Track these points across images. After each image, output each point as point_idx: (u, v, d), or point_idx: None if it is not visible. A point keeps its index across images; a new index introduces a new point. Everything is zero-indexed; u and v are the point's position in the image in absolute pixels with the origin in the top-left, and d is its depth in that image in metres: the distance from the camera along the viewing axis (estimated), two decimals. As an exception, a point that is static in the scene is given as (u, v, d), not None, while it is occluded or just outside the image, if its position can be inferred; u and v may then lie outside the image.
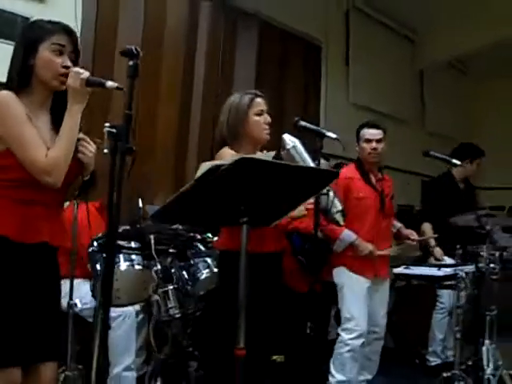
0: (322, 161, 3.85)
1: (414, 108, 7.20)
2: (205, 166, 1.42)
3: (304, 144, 2.59)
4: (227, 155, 2.31)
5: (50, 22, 1.89)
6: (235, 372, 2.04)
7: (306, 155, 2.43)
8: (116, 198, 1.49)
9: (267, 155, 1.91)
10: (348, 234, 3.29)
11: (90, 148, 1.84)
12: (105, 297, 1.67)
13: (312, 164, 2.40)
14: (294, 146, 2.41)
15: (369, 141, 3.42)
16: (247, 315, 1.76)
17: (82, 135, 1.84)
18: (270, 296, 2.63)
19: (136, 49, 1.57)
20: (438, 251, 4.15)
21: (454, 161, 3.33)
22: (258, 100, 2.53)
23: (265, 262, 2.47)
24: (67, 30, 1.87)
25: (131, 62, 1.55)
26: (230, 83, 4.98)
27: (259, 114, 2.51)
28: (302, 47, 5.66)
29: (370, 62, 6.28)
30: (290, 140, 2.44)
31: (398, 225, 3.69)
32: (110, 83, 1.72)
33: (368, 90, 6.25)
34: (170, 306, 3.06)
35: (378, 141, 3.43)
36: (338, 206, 2.60)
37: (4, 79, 1.90)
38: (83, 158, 1.84)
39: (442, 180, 4.41)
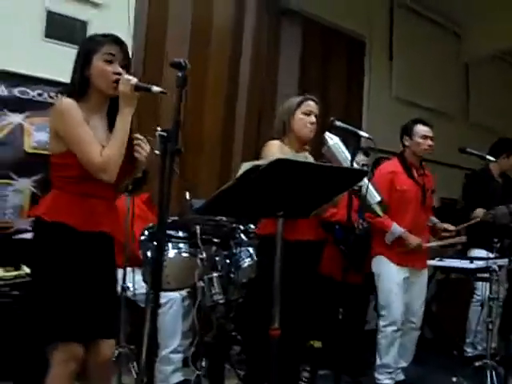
0: (362, 156, 4.01)
1: (458, 102, 7.18)
2: (245, 166, 1.61)
3: (344, 141, 2.76)
4: (272, 147, 2.54)
5: (102, 34, 2.10)
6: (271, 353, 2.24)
7: (345, 151, 2.60)
8: (166, 193, 1.69)
9: (305, 156, 2.10)
10: (396, 227, 3.43)
11: (146, 148, 2.05)
12: (155, 281, 1.87)
13: (349, 159, 2.57)
14: (334, 144, 2.59)
15: (426, 137, 3.60)
16: (283, 299, 1.94)
17: (139, 136, 2.05)
18: (306, 282, 2.81)
19: (184, 61, 1.75)
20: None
21: (488, 157, 3.41)
22: (309, 102, 2.76)
23: (301, 250, 2.65)
24: (116, 41, 2.08)
25: (180, 74, 1.73)
26: (274, 80, 5.15)
27: (306, 114, 2.71)
28: (346, 43, 5.76)
29: (413, 56, 6.32)
30: (330, 138, 2.63)
31: (435, 220, 3.80)
32: (155, 88, 1.93)
33: (411, 85, 6.29)
34: (214, 292, 3.27)
35: (432, 138, 3.60)
36: (377, 197, 2.75)
37: (63, 78, 2.13)
38: (139, 156, 2.05)
39: (480, 175, 4.48)
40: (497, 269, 3.29)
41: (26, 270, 3.07)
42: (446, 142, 6.07)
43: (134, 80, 1.97)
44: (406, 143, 3.69)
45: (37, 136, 3.71)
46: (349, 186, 2.10)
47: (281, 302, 1.97)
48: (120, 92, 1.97)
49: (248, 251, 3.22)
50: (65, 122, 1.95)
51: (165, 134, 1.69)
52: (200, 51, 4.57)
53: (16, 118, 3.64)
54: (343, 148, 2.70)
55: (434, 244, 3.62)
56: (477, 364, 3.40)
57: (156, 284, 1.78)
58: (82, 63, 2.02)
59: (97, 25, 3.93)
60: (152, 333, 2.02)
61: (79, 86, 2.01)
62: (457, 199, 6.97)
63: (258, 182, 1.63)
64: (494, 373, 3.16)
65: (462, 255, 4.33)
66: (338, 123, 2.56)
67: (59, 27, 3.82)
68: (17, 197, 3.62)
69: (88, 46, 2.06)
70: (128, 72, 2.05)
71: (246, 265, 3.22)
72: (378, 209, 2.80)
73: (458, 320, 4.76)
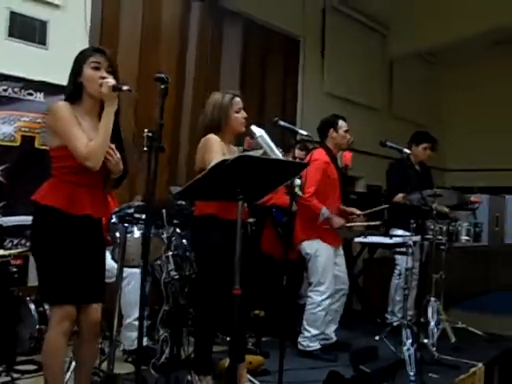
0: (300, 152, 4.54)
1: (383, 96, 7.87)
2: (215, 160, 2.06)
3: (268, 133, 3.22)
4: (215, 141, 2.93)
5: (90, 47, 2.49)
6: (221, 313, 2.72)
7: (270, 143, 3.04)
8: (152, 182, 2.13)
9: (257, 152, 2.56)
10: (326, 210, 3.96)
11: (114, 157, 2.41)
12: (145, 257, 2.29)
13: (275, 148, 3.02)
14: (260, 136, 3.03)
15: (347, 131, 4.13)
16: (229, 275, 2.36)
17: (111, 145, 2.43)
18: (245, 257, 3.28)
19: (166, 77, 2.18)
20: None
21: (405, 150, 3.98)
22: (237, 99, 3.12)
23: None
24: (101, 51, 2.47)
25: (162, 86, 2.16)
26: (217, 75, 5.60)
27: (238, 112, 3.12)
28: (282, 42, 6.28)
29: (343, 54, 6.93)
30: (257, 130, 3.06)
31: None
32: (124, 87, 2.34)
33: (341, 81, 6.89)
34: (169, 268, 3.71)
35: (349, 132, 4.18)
36: (298, 181, 3.24)
37: (26, 75, 2.41)
38: (107, 162, 2.42)
39: (400, 164, 5.08)
40: (412, 244, 3.90)
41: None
42: (372, 134, 6.72)
43: (112, 82, 2.36)
44: (333, 135, 4.21)
45: (2, 128, 4.01)
46: (293, 176, 2.59)
47: (226, 276, 2.45)
48: (102, 93, 2.37)
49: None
50: (57, 120, 2.33)
51: (151, 134, 2.12)
52: (151, 47, 4.96)
53: (-19, 112, 3.94)
54: (268, 139, 3.15)
55: (353, 224, 4.20)
56: (395, 324, 4.01)
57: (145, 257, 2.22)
58: (75, 72, 2.40)
59: (56, 25, 4.26)
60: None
61: (73, 92, 2.40)
62: (381, 186, 7.69)
63: (224, 173, 2.09)
64: (408, 331, 3.75)
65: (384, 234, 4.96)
66: (282, 123, 3.04)
67: (21, 27, 4.11)
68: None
69: (79, 58, 2.43)
70: (115, 77, 2.44)
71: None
72: (298, 190, 3.30)
73: (381, 293, 5.41)
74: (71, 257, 2.36)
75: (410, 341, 3.60)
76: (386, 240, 3.98)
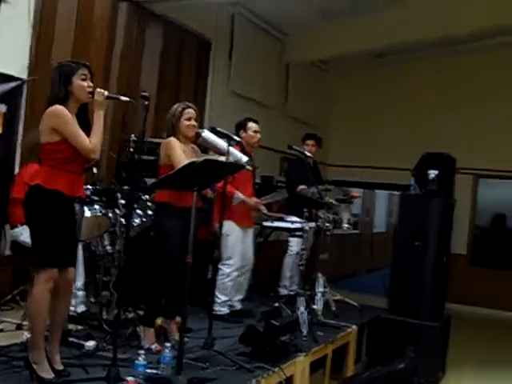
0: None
1: (279, 96, 8.77)
2: (186, 161, 2.77)
3: (212, 129, 3.97)
4: (176, 143, 3.65)
5: (74, 61, 3.09)
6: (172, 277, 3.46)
7: (215, 137, 3.80)
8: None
9: (218, 157, 3.33)
10: (239, 194, 4.74)
11: None
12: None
13: (219, 140, 3.78)
14: (206, 134, 3.77)
15: (256, 132, 4.92)
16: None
17: None
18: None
19: (148, 96, 2.85)
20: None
21: (308, 153, 4.84)
22: (188, 110, 3.84)
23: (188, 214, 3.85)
24: (86, 65, 3.08)
25: (146, 103, 2.83)
26: (138, 71, 6.16)
27: (188, 120, 3.83)
28: (197, 44, 6.93)
29: (248, 57, 7.72)
30: (201, 131, 3.80)
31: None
32: (123, 97, 2.98)
33: (245, 81, 7.69)
34: (105, 243, 4.33)
35: (260, 132, 4.97)
36: (244, 158, 4.03)
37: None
38: None
39: (299, 160, 5.99)
40: (308, 229, 4.82)
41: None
42: (267, 130, 7.58)
43: (106, 92, 3.00)
44: (243, 135, 5.00)
45: None
46: (236, 171, 3.38)
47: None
48: (95, 100, 2.98)
49: (138, 214, 4.31)
50: (61, 121, 2.90)
51: (135, 138, 2.78)
52: (83, 43, 5.44)
53: None
54: (213, 135, 3.90)
55: (266, 200, 5.08)
56: (292, 293, 4.92)
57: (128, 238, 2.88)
58: (64, 82, 2.97)
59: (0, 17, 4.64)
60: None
61: (62, 97, 2.97)
62: (273, 176, 8.63)
63: (190, 171, 2.80)
64: (302, 299, 4.64)
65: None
66: (219, 129, 3.79)
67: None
68: None
69: (67, 70, 3.00)
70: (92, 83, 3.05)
71: (135, 224, 4.30)
72: (247, 165, 4.10)
73: (272, 270, 6.32)
74: (62, 230, 2.96)
75: (303, 306, 4.51)
76: (289, 225, 4.86)
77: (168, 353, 3.21)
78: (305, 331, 4.33)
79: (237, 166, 3.33)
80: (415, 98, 9.68)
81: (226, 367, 3.44)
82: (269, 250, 6.76)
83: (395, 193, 15.54)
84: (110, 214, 4.07)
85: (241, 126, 5.01)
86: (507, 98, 9.14)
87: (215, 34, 7.20)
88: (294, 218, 5.60)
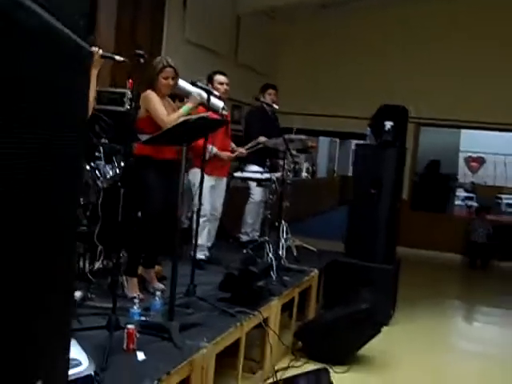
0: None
1: (230, 45, 8.77)
2: (181, 119, 2.84)
3: (192, 84, 4.04)
4: (153, 96, 3.70)
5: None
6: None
7: (190, 87, 3.89)
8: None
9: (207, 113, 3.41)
10: (211, 147, 4.84)
11: None
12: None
13: (196, 90, 3.88)
14: (180, 82, 3.85)
15: (222, 83, 4.98)
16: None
17: None
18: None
19: (143, 53, 2.88)
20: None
21: (274, 106, 4.95)
22: (168, 69, 3.87)
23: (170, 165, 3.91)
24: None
25: (142, 60, 2.87)
26: (94, 22, 6.03)
27: (165, 78, 3.87)
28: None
29: (201, 6, 7.64)
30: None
31: (233, 145, 5.34)
32: (117, 57, 3.01)
33: (199, 30, 7.64)
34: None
35: (228, 84, 5.02)
36: (220, 104, 4.12)
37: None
38: None
39: (260, 110, 6.09)
40: (275, 179, 5.00)
41: None
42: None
43: (100, 51, 3.03)
44: (199, 85, 5.03)
45: None
46: (221, 126, 3.49)
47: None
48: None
49: (111, 166, 4.34)
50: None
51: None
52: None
53: None
54: (187, 84, 3.97)
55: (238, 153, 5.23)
56: (259, 240, 5.13)
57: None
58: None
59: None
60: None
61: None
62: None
63: (181, 127, 2.89)
64: (270, 245, 4.88)
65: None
66: (199, 83, 3.85)
67: None
68: None
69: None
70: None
71: (108, 176, 4.34)
72: (224, 111, 4.20)
73: (231, 217, 6.49)
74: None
75: (271, 253, 4.74)
76: (258, 175, 5.03)
77: (158, 301, 3.37)
78: (274, 276, 4.57)
79: (222, 122, 3.42)
80: (359, 46, 9.92)
81: (209, 312, 3.63)
82: (231, 197, 6.91)
83: (335, 139, 16.04)
84: (88, 167, 4.09)
85: (208, 79, 5.06)
86: (449, 50, 9.52)
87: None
88: (255, 168, 5.77)
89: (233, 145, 5.34)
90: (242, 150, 5.30)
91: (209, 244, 5.18)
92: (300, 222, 7.85)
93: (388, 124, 5.67)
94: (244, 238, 6.11)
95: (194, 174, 4.95)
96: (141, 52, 2.88)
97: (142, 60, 2.88)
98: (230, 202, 6.86)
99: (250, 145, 5.52)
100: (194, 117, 2.92)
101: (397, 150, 5.84)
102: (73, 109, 1.44)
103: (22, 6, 1.04)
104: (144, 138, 3.15)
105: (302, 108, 10.12)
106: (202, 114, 3.14)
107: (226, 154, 4.98)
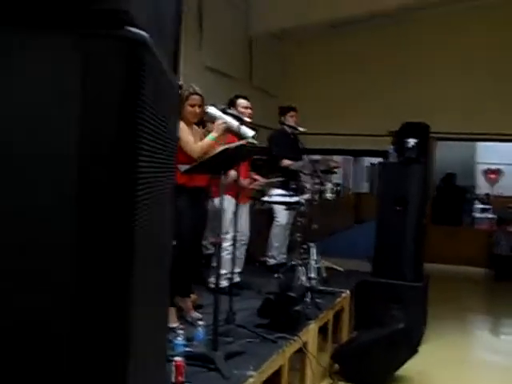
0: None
1: (244, 68, 8.83)
2: (220, 148, 2.86)
3: (213, 105, 4.04)
4: (182, 125, 3.71)
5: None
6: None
7: (222, 114, 3.89)
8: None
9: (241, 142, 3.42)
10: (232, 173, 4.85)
11: None
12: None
13: (228, 118, 3.88)
14: (210, 110, 3.87)
15: (246, 107, 4.99)
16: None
17: None
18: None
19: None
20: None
21: (300, 128, 4.96)
22: (194, 96, 3.88)
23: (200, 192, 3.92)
24: None
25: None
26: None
27: (192, 106, 3.88)
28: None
29: (216, 29, 7.72)
30: (207, 107, 3.90)
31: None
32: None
33: (215, 54, 7.70)
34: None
35: (251, 108, 5.05)
36: (250, 133, 4.11)
37: None
38: None
39: (282, 133, 6.11)
40: (304, 202, 4.99)
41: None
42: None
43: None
44: (230, 112, 5.05)
45: None
46: (254, 154, 3.49)
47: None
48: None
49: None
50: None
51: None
52: None
53: None
54: (218, 111, 3.99)
55: (257, 184, 5.21)
56: (290, 263, 5.11)
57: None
58: None
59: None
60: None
61: None
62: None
63: (224, 156, 2.90)
64: (303, 268, 4.85)
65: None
66: (230, 111, 3.87)
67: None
68: None
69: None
70: None
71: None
72: (253, 140, 4.20)
73: (255, 240, 6.47)
74: None
75: (304, 276, 4.71)
76: (286, 199, 5.02)
77: (201, 330, 3.34)
78: (308, 299, 4.54)
79: (256, 149, 3.43)
80: (367, 65, 9.98)
81: (250, 340, 3.60)
82: (252, 219, 6.90)
83: (348, 157, 16.02)
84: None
85: (230, 104, 5.08)
86: (458, 62, 9.56)
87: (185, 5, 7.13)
88: (280, 191, 5.76)
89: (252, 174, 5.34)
90: (260, 179, 5.29)
91: (238, 270, 5.16)
92: (319, 242, 7.80)
93: (411, 141, 5.66)
94: (271, 261, 6.09)
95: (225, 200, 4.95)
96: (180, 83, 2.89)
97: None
98: (254, 226, 6.87)
99: (271, 180, 5.53)
100: (233, 145, 2.93)
101: (422, 167, 5.82)
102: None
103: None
104: (182, 167, 3.12)
105: (314, 128, 10.12)
106: (240, 142, 3.14)
107: (246, 181, 5.00)
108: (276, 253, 6.09)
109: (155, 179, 1.27)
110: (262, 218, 6.67)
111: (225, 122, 3.86)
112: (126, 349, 1.04)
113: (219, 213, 4.82)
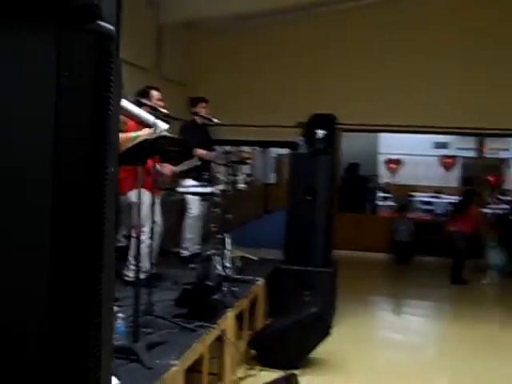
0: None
1: (153, 58, 8.74)
2: (141, 138, 2.84)
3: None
4: None
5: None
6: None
7: (136, 108, 3.86)
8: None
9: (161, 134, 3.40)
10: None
11: None
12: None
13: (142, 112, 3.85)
14: (123, 104, 3.83)
15: (159, 100, 4.95)
16: None
17: None
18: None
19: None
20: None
21: (215, 120, 5.00)
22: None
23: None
24: None
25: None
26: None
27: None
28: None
29: (123, 18, 7.56)
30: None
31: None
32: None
33: (120, 43, 7.55)
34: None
35: (163, 100, 5.02)
36: (165, 126, 4.08)
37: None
38: None
39: (193, 124, 6.12)
40: (218, 192, 5.04)
41: None
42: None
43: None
44: (147, 103, 5.03)
45: None
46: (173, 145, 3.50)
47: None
48: None
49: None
50: None
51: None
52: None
53: None
54: (131, 105, 3.94)
55: (178, 168, 5.21)
56: (205, 254, 5.15)
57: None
58: None
59: None
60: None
61: None
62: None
63: (142, 145, 2.89)
64: (218, 258, 4.91)
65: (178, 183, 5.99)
66: (144, 101, 3.84)
67: None
68: None
69: None
70: None
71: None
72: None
73: (169, 232, 6.45)
74: None
75: (220, 265, 4.78)
76: (201, 190, 5.06)
77: (121, 323, 3.32)
78: (225, 288, 4.61)
79: (173, 140, 3.43)
80: (275, 59, 10.19)
81: (170, 330, 3.62)
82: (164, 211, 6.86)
83: (255, 148, 16.25)
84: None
85: (142, 95, 5.00)
86: (368, 57, 9.96)
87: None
88: (192, 182, 5.77)
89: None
90: (176, 170, 5.30)
91: (153, 261, 5.13)
92: (233, 232, 7.91)
93: (320, 132, 5.85)
94: (185, 252, 6.11)
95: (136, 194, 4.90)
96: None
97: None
98: (166, 217, 6.84)
99: (186, 165, 5.51)
100: (152, 136, 2.92)
101: (330, 157, 6.04)
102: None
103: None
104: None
105: (224, 119, 10.19)
106: (162, 133, 3.13)
107: (167, 169, 4.98)
108: (189, 244, 6.11)
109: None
110: (175, 209, 6.66)
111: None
112: (98, 358, 1.05)
113: (133, 206, 4.89)
